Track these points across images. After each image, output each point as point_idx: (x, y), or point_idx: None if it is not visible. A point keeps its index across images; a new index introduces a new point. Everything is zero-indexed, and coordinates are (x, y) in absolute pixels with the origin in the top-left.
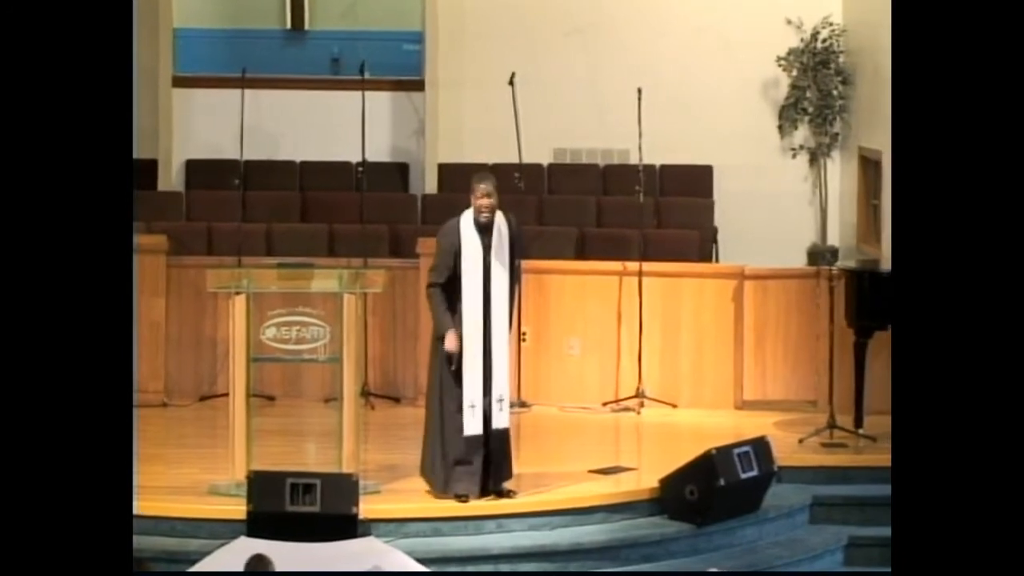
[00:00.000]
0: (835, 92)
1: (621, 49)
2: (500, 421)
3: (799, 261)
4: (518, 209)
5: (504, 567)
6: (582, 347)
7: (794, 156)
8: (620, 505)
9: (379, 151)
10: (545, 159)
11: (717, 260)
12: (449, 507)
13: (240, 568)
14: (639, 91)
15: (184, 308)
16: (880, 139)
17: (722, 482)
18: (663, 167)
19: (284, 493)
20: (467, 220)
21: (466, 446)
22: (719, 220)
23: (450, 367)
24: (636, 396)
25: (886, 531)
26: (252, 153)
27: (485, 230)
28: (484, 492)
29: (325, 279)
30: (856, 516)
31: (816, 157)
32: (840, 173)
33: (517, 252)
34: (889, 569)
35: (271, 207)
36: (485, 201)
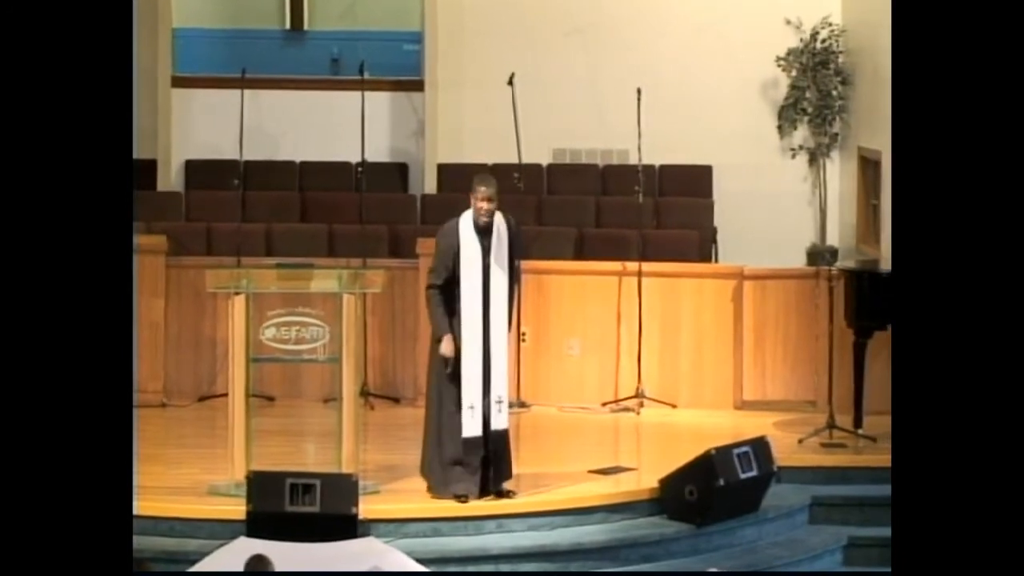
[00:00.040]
0: (834, 92)
1: (621, 49)
2: (499, 422)
3: (798, 261)
4: (517, 209)
5: (504, 567)
6: (581, 347)
7: (793, 156)
8: (620, 505)
9: (379, 151)
10: (544, 159)
11: (716, 260)
12: (449, 507)
13: (240, 568)
14: (638, 91)
15: (183, 308)
16: (879, 139)
17: (722, 482)
18: (662, 167)
19: (284, 493)
20: (466, 221)
21: (464, 447)
22: (718, 220)
23: (446, 370)
24: (636, 396)
25: (886, 531)
26: (252, 153)
27: (484, 231)
28: (484, 492)
29: (324, 279)
30: (856, 516)
31: (815, 157)
32: (839, 173)
33: (516, 253)
34: (889, 569)
35: (270, 207)
36: (485, 204)
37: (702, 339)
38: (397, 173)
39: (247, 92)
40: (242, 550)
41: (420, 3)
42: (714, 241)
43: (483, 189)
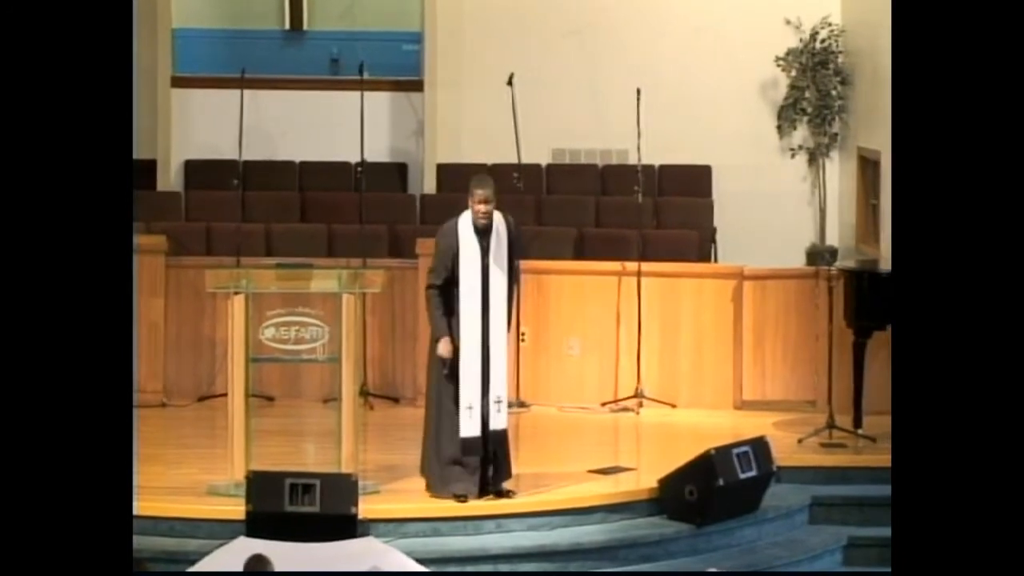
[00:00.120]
0: (834, 92)
1: (620, 49)
2: (498, 422)
3: (798, 261)
4: (517, 209)
5: (503, 567)
6: (581, 347)
7: (793, 156)
8: (619, 505)
9: (378, 151)
10: (544, 159)
11: (716, 260)
12: (448, 507)
13: (239, 568)
14: (638, 91)
15: (183, 308)
16: (879, 139)
17: (721, 482)
18: (662, 167)
19: (283, 493)
20: (465, 222)
21: (462, 447)
22: (718, 220)
23: (444, 370)
24: (635, 396)
25: (885, 531)
26: (251, 153)
27: (483, 232)
28: (483, 492)
29: (324, 279)
30: (855, 516)
31: (815, 157)
32: (839, 173)
33: (516, 252)
34: (889, 569)
35: (270, 207)
36: (483, 207)
37: (702, 339)
38: (396, 173)
39: (247, 92)
40: (242, 550)
41: (420, 3)
42: (714, 241)
43: (480, 191)
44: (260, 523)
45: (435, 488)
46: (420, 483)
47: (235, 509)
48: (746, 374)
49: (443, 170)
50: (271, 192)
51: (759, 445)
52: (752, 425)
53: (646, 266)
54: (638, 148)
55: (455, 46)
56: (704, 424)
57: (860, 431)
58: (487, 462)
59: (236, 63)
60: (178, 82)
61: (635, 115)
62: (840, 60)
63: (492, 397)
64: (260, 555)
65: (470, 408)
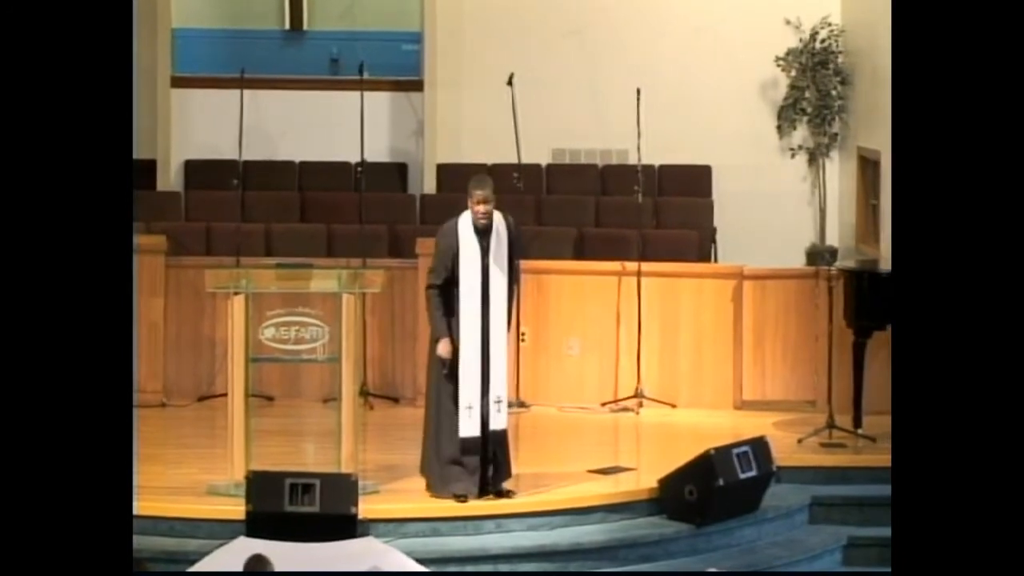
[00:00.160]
0: (834, 92)
1: (620, 49)
2: (498, 422)
3: (798, 261)
4: (517, 209)
5: (503, 567)
6: (581, 347)
7: (793, 156)
8: (619, 505)
9: (378, 151)
10: (544, 159)
11: (716, 260)
12: (448, 507)
13: (239, 568)
14: (638, 91)
15: (183, 308)
16: (879, 139)
17: (721, 482)
18: (662, 167)
19: (283, 493)
20: (465, 222)
21: (461, 447)
22: (718, 220)
23: (443, 371)
24: (635, 396)
25: (885, 531)
26: (251, 153)
27: (483, 232)
28: (483, 492)
29: (324, 279)
30: (855, 516)
31: (815, 157)
32: (839, 173)
33: (516, 252)
34: (889, 569)
35: (270, 207)
36: (482, 208)
37: (702, 339)
38: (396, 173)
39: (246, 92)
40: (241, 550)
41: (419, 3)
42: (713, 241)
43: (479, 192)
44: (260, 523)
45: (435, 488)
46: (420, 483)
47: (235, 509)
48: (746, 374)
49: (443, 170)
50: (271, 192)
51: (759, 445)
52: (752, 425)
53: (646, 266)
54: (638, 148)
55: (455, 46)
56: (704, 424)
57: (860, 431)
58: (487, 462)
59: (236, 63)
60: (178, 82)
61: (635, 115)
62: (840, 60)
63: (492, 397)
64: (260, 555)
65: (469, 408)
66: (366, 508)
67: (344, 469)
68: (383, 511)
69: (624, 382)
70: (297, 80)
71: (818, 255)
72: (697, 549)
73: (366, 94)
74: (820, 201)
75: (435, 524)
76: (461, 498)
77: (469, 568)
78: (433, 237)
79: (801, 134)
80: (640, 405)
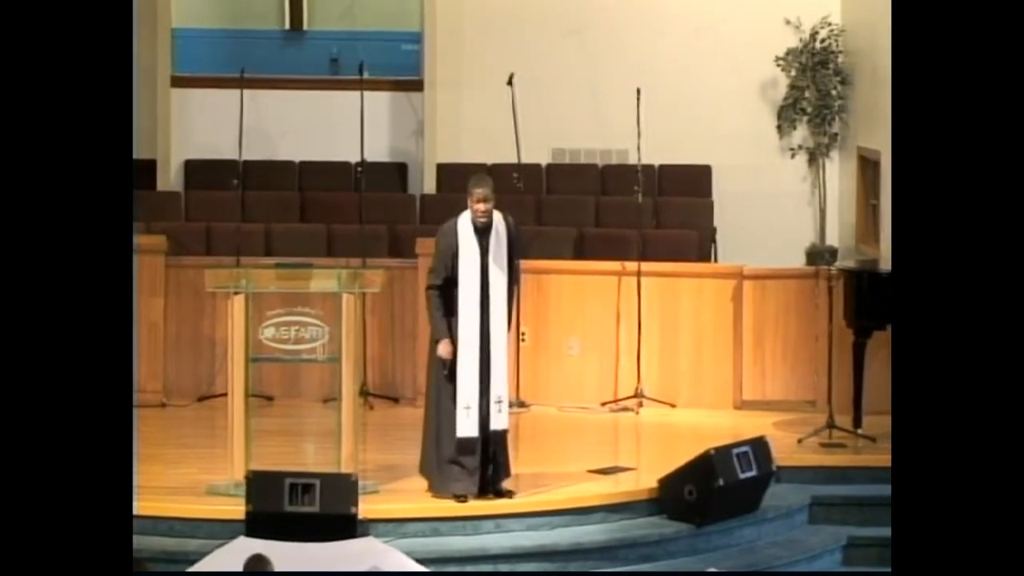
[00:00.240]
0: (834, 92)
1: (620, 49)
2: (499, 422)
3: (798, 261)
4: (516, 209)
5: (503, 567)
6: (581, 347)
7: (793, 156)
8: (619, 505)
9: (378, 151)
10: (544, 159)
11: (716, 260)
12: (448, 507)
13: (239, 568)
14: (638, 91)
15: (183, 308)
16: (879, 139)
17: (721, 482)
18: (662, 167)
19: (283, 493)
20: (465, 221)
21: (459, 447)
22: (718, 220)
23: (444, 371)
24: (635, 396)
25: (885, 531)
26: (251, 153)
27: (483, 232)
28: (483, 492)
29: (324, 279)
30: (855, 516)
31: (815, 157)
32: (839, 173)
33: (516, 252)
34: (889, 569)
35: (270, 207)
36: (481, 206)
37: (701, 339)
38: (396, 173)
39: (246, 92)
40: (241, 550)
41: (419, 3)
42: (713, 241)
43: (478, 191)
44: (260, 523)
45: (436, 488)
46: (420, 483)
47: (235, 509)
48: (746, 374)
49: (443, 170)
50: (271, 192)
51: (759, 445)
52: (752, 425)
53: (646, 266)
54: (638, 148)
55: (455, 46)
56: (704, 424)
57: (860, 431)
58: (487, 462)
59: (236, 63)
60: (178, 82)
61: (635, 115)
62: (840, 60)
63: (493, 397)
64: (260, 555)
65: (467, 408)
66: (366, 508)
67: (344, 469)
68: (383, 511)
69: (624, 382)
70: (297, 80)
71: (818, 255)
72: (697, 549)
73: (366, 94)
74: (820, 201)
75: (435, 524)
76: (461, 498)
77: (469, 568)
78: (433, 237)
79: (801, 134)
80: (640, 405)
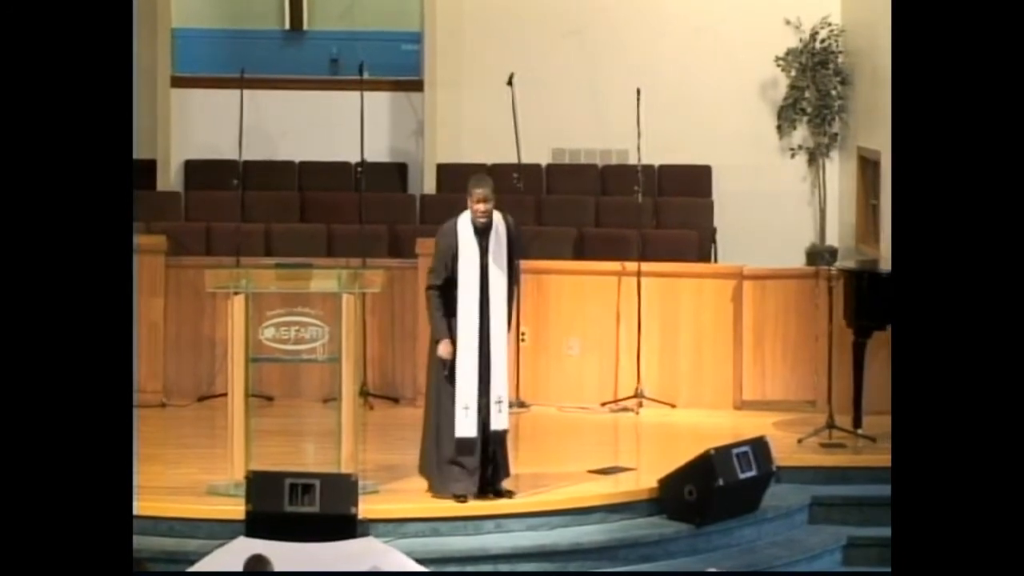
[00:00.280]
0: (834, 92)
1: (620, 49)
2: (499, 423)
3: (798, 261)
4: (516, 209)
5: (503, 567)
6: (581, 347)
7: (793, 156)
8: (619, 505)
9: (378, 151)
10: (544, 159)
11: (716, 260)
12: (448, 507)
13: (239, 568)
14: (638, 91)
15: (183, 308)
16: (879, 139)
17: (721, 482)
18: (662, 167)
19: (283, 493)
20: (464, 221)
21: (457, 447)
22: (718, 220)
23: (444, 372)
24: (635, 396)
25: (885, 531)
26: (251, 153)
27: (483, 232)
28: (483, 492)
29: (324, 279)
30: (855, 516)
31: (815, 157)
32: (839, 173)
33: (516, 252)
34: (889, 569)
35: (270, 207)
36: (481, 206)
37: (701, 339)
38: (396, 173)
39: (246, 92)
40: (241, 550)
41: (419, 3)
42: (713, 241)
43: (478, 191)
44: (260, 523)
45: (435, 488)
46: (420, 483)
47: (235, 509)
48: (746, 374)
49: (443, 170)
50: (271, 192)
51: (759, 445)
52: (752, 425)
53: (646, 266)
54: (638, 148)
55: (455, 46)
56: (704, 424)
57: (860, 431)
58: (487, 462)
59: (236, 63)
60: (178, 82)
61: (635, 115)
62: (840, 60)
63: (493, 397)
64: (260, 555)
65: (466, 408)
66: (366, 508)
67: (344, 469)
68: (383, 511)
69: (624, 382)
70: (297, 80)
71: (818, 255)
72: (697, 549)
73: (366, 94)
74: (820, 201)
75: (435, 524)
76: (461, 498)
77: (469, 568)
78: (433, 237)
79: (801, 134)
80: (640, 405)
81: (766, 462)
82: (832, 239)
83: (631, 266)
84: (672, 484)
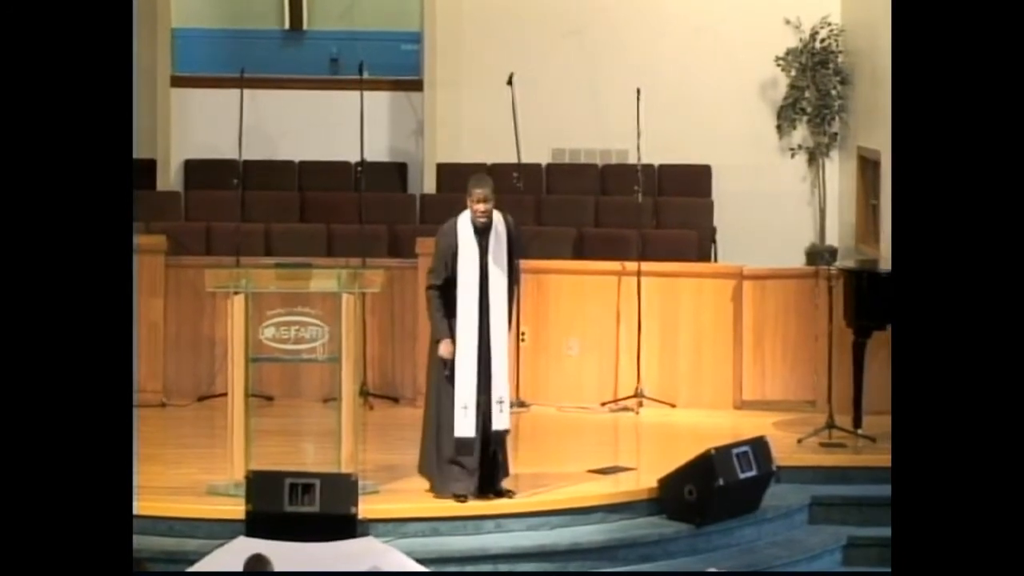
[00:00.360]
0: (833, 92)
1: (620, 49)
2: (500, 423)
3: (798, 261)
4: (516, 209)
5: (503, 567)
6: (581, 347)
7: (793, 156)
8: (619, 505)
9: (378, 151)
10: (544, 159)
11: (716, 260)
12: (448, 507)
13: (239, 568)
14: (638, 91)
15: (183, 308)
16: (878, 139)
17: (721, 482)
18: (662, 167)
19: (283, 493)
20: (464, 221)
21: (456, 446)
22: (718, 220)
23: (444, 371)
24: (635, 396)
25: (885, 531)
26: (251, 153)
27: (483, 231)
28: (483, 492)
29: (324, 279)
30: (855, 516)
31: (815, 157)
32: (839, 173)
33: (516, 252)
34: (889, 569)
35: (270, 207)
36: (481, 206)
37: (701, 339)
38: (396, 173)
39: (246, 92)
40: (241, 550)
41: (419, 3)
42: (713, 241)
43: (478, 191)
44: (260, 523)
45: (435, 488)
46: (420, 483)
47: (235, 509)
48: (746, 374)
49: (443, 170)
50: (271, 192)
51: (759, 445)
52: (752, 425)
53: (646, 266)
54: (638, 148)
55: (455, 46)
56: (704, 424)
57: (860, 431)
58: (487, 462)
59: (236, 63)
60: (178, 82)
61: (635, 115)
62: (840, 60)
63: (494, 397)
64: (260, 555)
65: (465, 408)
66: (366, 508)
67: (344, 469)
68: (383, 511)
69: (624, 382)
70: (297, 80)
71: (818, 255)
72: (697, 549)
73: (366, 94)
74: (820, 201)
75: (435, 524)
76: (461, 498)
77: (469, 568)
78: (433, 237)
79: (801, 134)
80: (640, 405)
81: (766, 462)
82: (832, 239)
83: (631, 266)
84: (672, 484)
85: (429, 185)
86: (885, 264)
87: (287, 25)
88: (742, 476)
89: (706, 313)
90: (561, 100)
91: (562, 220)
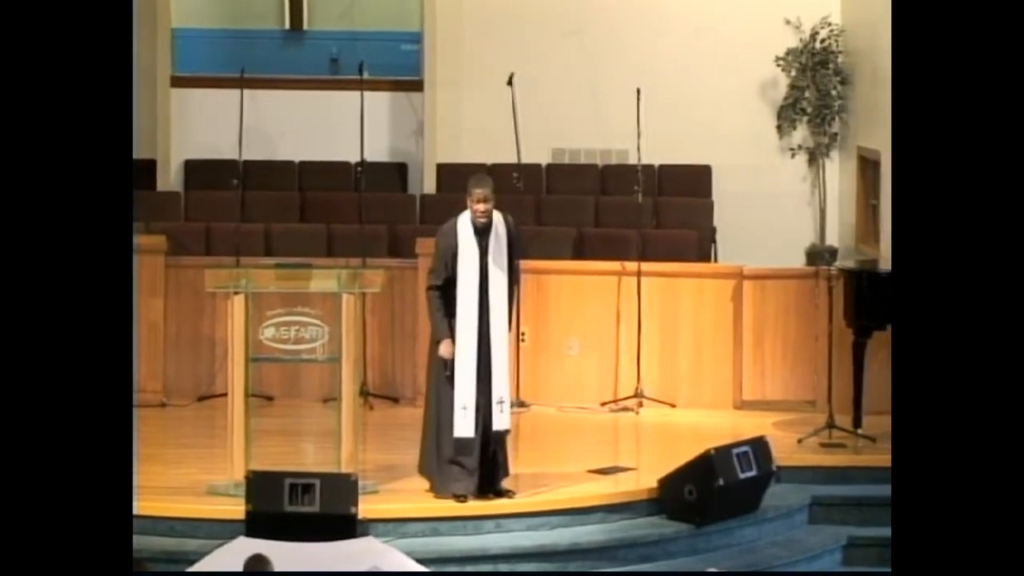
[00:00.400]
0: (834, 92)
1: (620, 49)
2: (501, 423)
3: (798, 261)
4: (516, 209)
5: (503, 567)
6: (580, 347)
7: (793, 156)
8: (619, 505)
9: (378, 151)
10: (544, 159)
11: (716, 260)
12: (448, 507)
13: (239, 568)
14: (638, 91)
15: (183, 308)
16: (879, 139)
17: (721, 482)
18: (662, 167)
19: (283, 493)
20: (464, 221)
21: (456, 446)
22: (718, 220)
23: (444, 371)
24: (635, 396)
25: (885, 531)
26: (251, 153)
27: (483, 232)
28: (483, 492)
29: (324, 279)
30: (855, 516)
31: (815, 157)
32: (839, 173)
33: (516, 252)
34: (889, 569)
35: (270, 207)
36: (481, 207)
37: (701, 339)
38: (396, 173)
39: (246, 92)
40: (241, 550)
41: (419, 3)
42: (713, 241)
43: (478, 191)
44: (260, 523)
45: (435, 488)
46: (420, 483)
47: (235, 509)
48: (746, 374)
49: (443, 170)
50: (271, 192)
51: (759, 445)
52: (752, 425)
53: (646, 266)
54: (638, 148)
55: (455, 46)
56: (704, 424)
57: (860, 431)
58: (487, 462)
59: (236, 63)
60: (178, 82)
61: (635, 115)
62: (840, 60)
63: (495, 398)
64: (260, 555)
65: (464, 408)
66: (366, 508)
67: (344, 469)
68: (383, 511)
69: (624, 382)
70: (297, 80)
71: (818, 255)
72: (697, 549)
73: (366, 94)
74: (820, 201)
75: (435, 524)
76: (461, 498)
77: (469, 568)
78: (433, 237)
79: (801, 134)
80: (640, 405)
81: (766, 462)
82: (832, 239)
83: (631, 266)
84: (672, 484)
85: (429, 185)
86: (885, 264)
87: (287, 25)
88: (742, 476)
89: (706, 313)
90: (561, 100)
91: (562, 220)
